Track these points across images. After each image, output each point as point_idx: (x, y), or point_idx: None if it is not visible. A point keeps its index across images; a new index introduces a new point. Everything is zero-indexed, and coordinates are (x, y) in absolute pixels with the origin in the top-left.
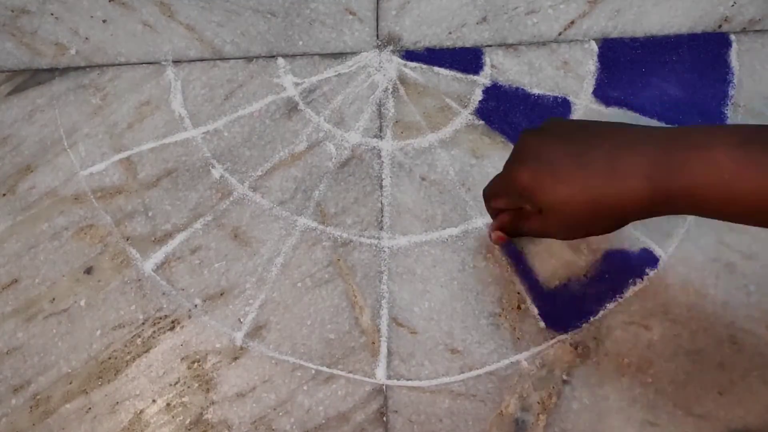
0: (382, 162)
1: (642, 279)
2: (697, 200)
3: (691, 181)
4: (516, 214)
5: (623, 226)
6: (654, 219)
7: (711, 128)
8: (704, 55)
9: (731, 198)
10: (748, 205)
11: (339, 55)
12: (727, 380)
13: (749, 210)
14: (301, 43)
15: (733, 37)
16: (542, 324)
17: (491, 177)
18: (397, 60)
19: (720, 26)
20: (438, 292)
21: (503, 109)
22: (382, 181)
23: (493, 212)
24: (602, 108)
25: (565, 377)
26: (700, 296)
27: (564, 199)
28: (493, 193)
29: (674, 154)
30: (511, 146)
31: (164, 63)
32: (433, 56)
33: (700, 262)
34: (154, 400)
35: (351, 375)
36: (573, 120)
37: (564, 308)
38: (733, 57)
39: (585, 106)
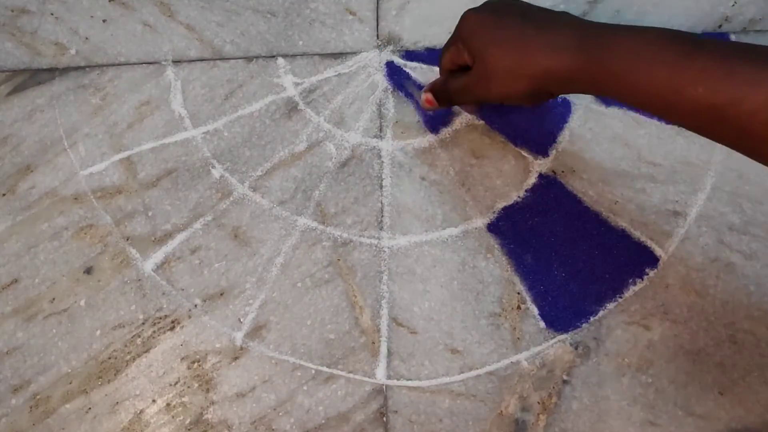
0: (382, 162)
1: (642, 279)
2: (614, 73)
3: (613, 52)
4: (450, 73)
5: (540, 98)
6: (654, 218)
7: (649, 27)
8: None
9: (646, 77)
10: (659, 89)
11: (339, 55)
12: (727, 380)
13: (658, 94)
14: (301, 43)
15: (733, 37)
16: (542, 324)
17: (491, 177)
18: (397, 60)
19: (720, 26)
20: (438, 292)
21: (503, 109)
22: (382, 181)
23: (442, 75)
24: (602, 108)
25: (565, 377)
26: (701, 296)
27: (495, 43)
28: (445, 46)
29: (606, 29)
30: (512, 147)
31: (164, 63)
32: (433, 56)
33: (700, 262)
34: (154, 400)
35: (351, 375)
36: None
37: (564, 308)
38: None
39: (585, 106)
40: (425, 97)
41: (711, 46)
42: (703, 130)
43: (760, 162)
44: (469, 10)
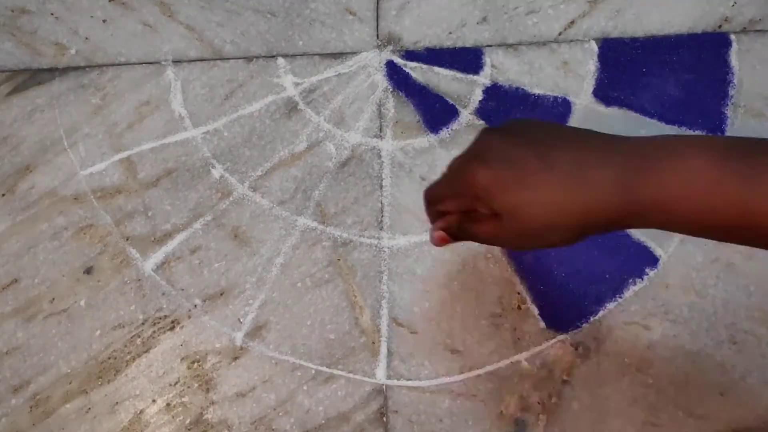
0: (382, 162)
1: (642, 279)
2: (670, 212)
3: (664, 191)
4: (465, 216)
5: (582, 239)
6: None
7: (685, 137)
8: (704, 55)
9: (707, 210)
10: (725, 220)
11: (339, 55)
12: (727, 380)
13: (726, 224)
14: (301, 43)
15: (733, 37)
16: (542, 324)
17: None
18: (397, 60)
19: (720, 26)
20: (438, 293)
21: (503, 109)
22: (382, 181)
23: (436, 215)
24: (602, 108)
25: (565, 377)
26: (701, 296)
27: (526, 202)
28: (441, 195)
29: (646, 162)
30: None
31: (164, 63)
32: (433, 56)
33: (701, 262)
34: (154, 400)
35: (351, 375)
36: (538, 120)
37: (564, 308)
38: (733, 57)
39: (585, 106)
40: (437, 235)
41: (759, 153)
42: None
43: None
44: (471, 163)
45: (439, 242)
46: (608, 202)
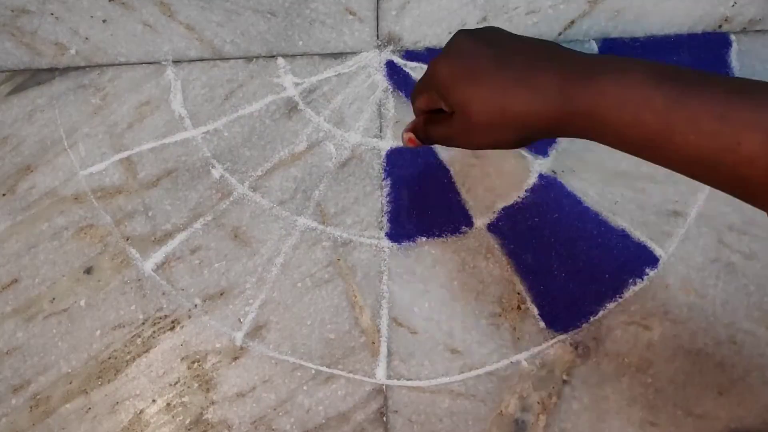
0: (382, 162)
1: (642, 279)
2: (603, 122)
3: (601, 101)
4: (429, 117)
5: (527, 142)
6: (654, 218)
7: (630, 59)
8: (704, 55)
9: (635, 123)
10: (648, 133)
11: (339, 55)
12: (727, 380)
13: (649, 138)
14: (301, 42)
15: (733, 37)
16: (542, 324)
17: (491, 177)
18: (397, 60)
19: (720, 26)
20: (438, 292)
21: None
22: (382, 181)
23: (417, 114)
24: None
25: (565, 377)
26: (700, 296)
27: (475, 98)
28: (417, 91)
29: (591, 73)
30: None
31: (164, 63)
32: (433, 56)
33: (700, 262)
34: (154, 400)
35: (351, 375)
36: (508, 32)
37: (564, 308)
38: (733, 57)
39: None
40: (407, 137)
41: (703, 86)
42: (699, 178)
43: (761, 209)
44: (439, 57)
45: (408, 143)
46: (549, 107)
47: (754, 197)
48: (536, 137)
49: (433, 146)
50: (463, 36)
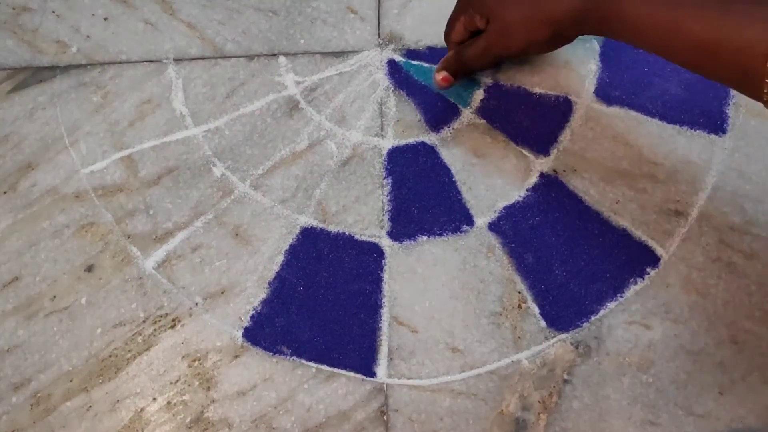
0: (384, 161)
1: (643, 278)
2: (619, 16)
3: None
4: (460, 48)
5: (558, 41)
6: (655, 218)
7: None
8: None
9: (647, 18)
10: (658, 28)
11: (340, 54)
12: (728, 380)
13: (659, 33)
14: (302, 41)
15: None
16: (543, 323)
17: (493, 176)
18: (398, 58)
19: None
20: (439, 291)
21: (504, 108)
22: (383, 180)
23: (450, 48)
24: (603, 107)
25: (565, 376)
26: (702, 296)
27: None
28: (452, 19)
29: None
30: (513, 146)
31: (165, 61)
32: (434, 55)
33: (702, 261)
34: (154, 399)
35: (352, 374)
36: None
37: (565, 307)
38: None
39: (586, 105)
40: (440, 76)
41: None
42: (703, 69)
43: (758, 100)
44: None
45: (443, 83)
46: (576, 3)
47: (753, 86)
48: (565, 34)
49: (434, 146)
50: None
